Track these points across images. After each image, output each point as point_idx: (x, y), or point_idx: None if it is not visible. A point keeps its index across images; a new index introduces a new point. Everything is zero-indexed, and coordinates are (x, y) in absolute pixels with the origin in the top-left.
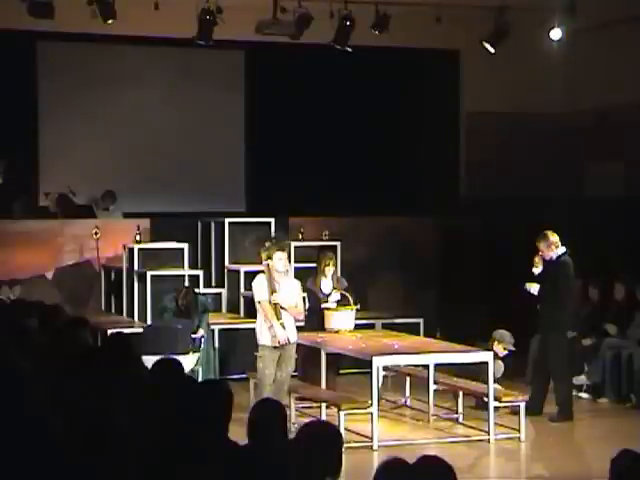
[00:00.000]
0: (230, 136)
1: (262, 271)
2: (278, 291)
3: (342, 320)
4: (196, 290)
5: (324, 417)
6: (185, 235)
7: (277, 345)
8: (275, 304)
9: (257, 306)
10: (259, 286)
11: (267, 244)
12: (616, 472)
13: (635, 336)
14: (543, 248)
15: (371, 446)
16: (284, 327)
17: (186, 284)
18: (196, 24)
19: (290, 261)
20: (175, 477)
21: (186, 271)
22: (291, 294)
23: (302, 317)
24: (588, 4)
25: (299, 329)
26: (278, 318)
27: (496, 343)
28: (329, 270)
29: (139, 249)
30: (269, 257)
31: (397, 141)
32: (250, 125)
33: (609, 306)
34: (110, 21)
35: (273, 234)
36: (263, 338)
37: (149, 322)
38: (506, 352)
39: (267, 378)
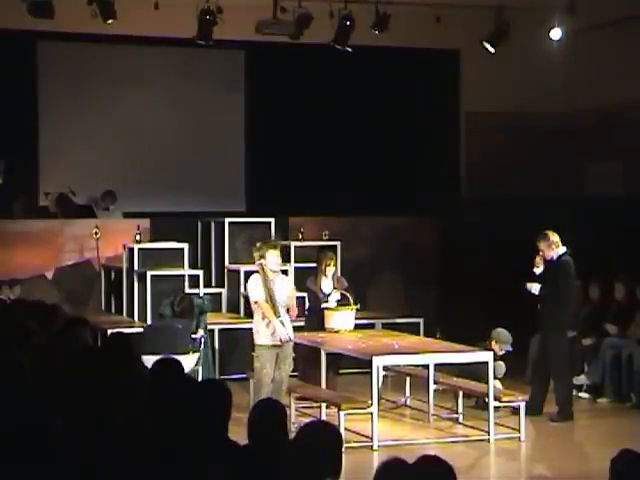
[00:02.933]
0: (230, 136)
1: (256, 271)
2: (273, 289)
3: (342, 320)
4: (192, 292)
5: (324, 417)
6: (185, 235)
7: (279, 343)
8: (272, 302)
9: (254, 306)
10: (254, 286)
11: (258, 244)
12: (616, 472)
13: (635, 336)
14: (544, 248)
15: (371, 446)
16: (283, 324)
17: (182, 290)
18: (196, 24)
19: (290, 261)
20: (175, 477)
21: (186, 271)
22: (285, 292)
23: (295, 315)
24: (588, 4)
25: (299, 329)
26: (277, 316)
27: (494, 342)
28: (330, 270)
29: (139, 249)
30: (262, 256)
31: (397, 141)
32: (250, 125)
33: (609, 306)
34: (110, 21)
35: (273, 235)
36: (260, 338)
37: (149, 322)
38: (503, 352)
39: (266, 378)
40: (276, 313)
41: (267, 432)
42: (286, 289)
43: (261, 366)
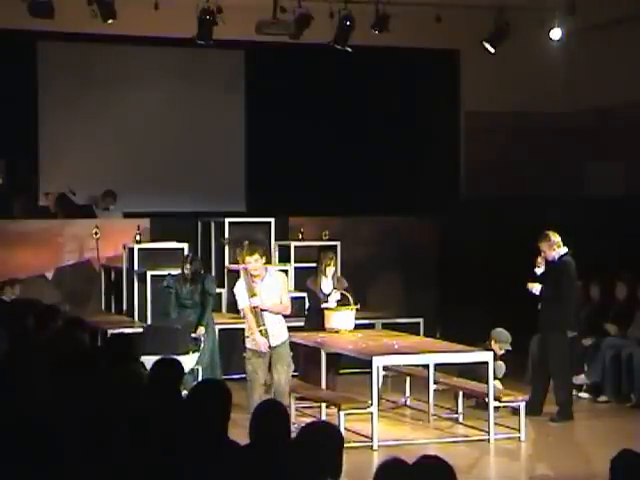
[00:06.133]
0: (230, 136)
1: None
2: (258, 294)
3: (342, 320)
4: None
5: (324, 417)
6: (185, 235)
7: (262, 351)
8: (255, 307)
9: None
10: (239, 292)
11: (245, 243)
12: (616, 472)
13: (635, 336)
14: (545, 248)
15: (371, 446)
16: (266, 334)
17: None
18: (196, 24)
19: (290, 261)
20: (175, 477)
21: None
22: (273, 292)
23: (288, 312)
24: (588, 4)
25: (299, 329)
26: (259, 325)
27: (494, 342)
28: (330, 270)
29: (139, 249)
30: (243, 261)
31: (397, 141)
32: (250, 125)
33: (610, 306)
34: (110, 21)
35: (274, 236)
36: (249, 341)
37: (149, 322)
38: (503, 352)
39: (258, 380)
40: (259, 321)
41: (268, 433)
42: (274, 288)
43: (252, 369)
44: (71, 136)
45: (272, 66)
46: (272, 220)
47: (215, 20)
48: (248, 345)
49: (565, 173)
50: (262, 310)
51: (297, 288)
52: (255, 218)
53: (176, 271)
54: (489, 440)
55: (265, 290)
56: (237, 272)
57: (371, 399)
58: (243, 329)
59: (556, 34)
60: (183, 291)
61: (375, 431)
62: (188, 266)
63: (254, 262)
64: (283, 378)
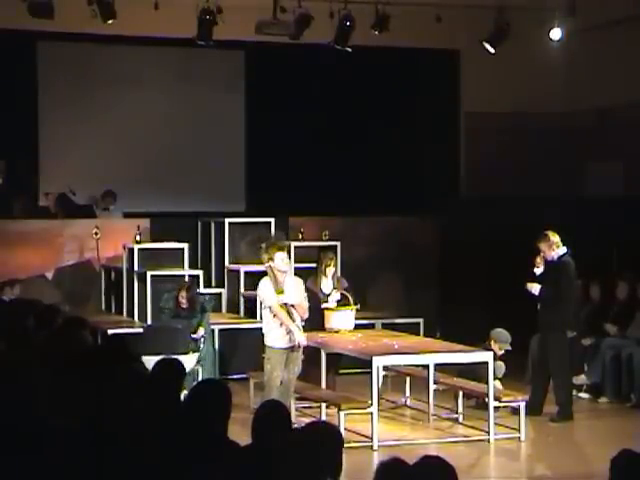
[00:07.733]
0: (230, 136)
1: (265, 273)
2: (284, 291)
3: (342, 320)
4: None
5: (324, 417)
6: (185, 235)
7: (291, 345)
8: (284, 305)
9: (264, 310)
10: (266, 290)
11: (264, 245)
12: (616, 472)
13: (635, 336)
14: (544, 248)
15: (371, 446)
16: (300, 328)
17: (184, 282)
18: (196, 24)
19: (290, 261)
20: (175, 477)
21: (186, 271)
22: (295, 292)
23: (306, 315)
24: (588, 4)
25: None
26: (293, 320)
27: (493, 342)
28: (330, 270)
29: (139, 249)
30: (270, 258)
31: (397, 141)
32: (250, 125)
33: (610, 306)
34: (110, 21)
35: (273, 234)
36: (271, 340)
37: (149, 322)
38: (503, 352)
39: (275, 380)
40: (292, 317)
41: (269, 433)
42: (296, 289)
43: (272, 368)
44: (71, 136)
45: (272, 66)
46: (272, 220)
47: (215, 20)
48: (269, 343)
49: (565, 173)
50: (291, 306)
51: None
52: (255, 218)
53: (177, 271)
54: (489, 440)
55: (287, 289)
56: (237, 272)
57: (371, 399)
58: (243, 329)
59: (556, 34)
60: (179, 315)
61: (375, 431)
62: (184, 294)
63: (285, 258)
64: (293, 379)
